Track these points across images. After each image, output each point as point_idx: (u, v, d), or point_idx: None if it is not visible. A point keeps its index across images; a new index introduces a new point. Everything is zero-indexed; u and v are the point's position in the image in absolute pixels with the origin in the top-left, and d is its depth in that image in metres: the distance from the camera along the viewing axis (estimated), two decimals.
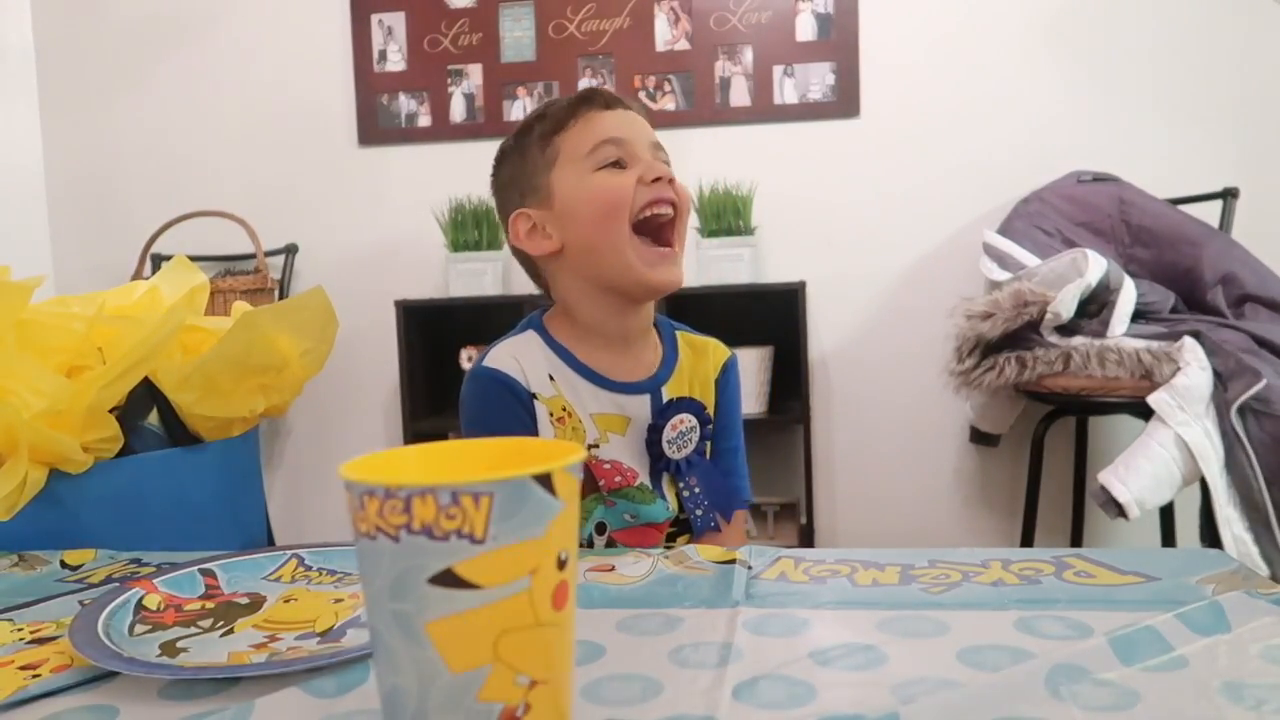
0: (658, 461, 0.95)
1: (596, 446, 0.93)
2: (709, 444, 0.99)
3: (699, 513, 0.96)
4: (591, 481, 0.92)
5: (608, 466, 0.93)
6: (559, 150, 0.93)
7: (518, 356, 0.93)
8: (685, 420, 0.96)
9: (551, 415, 0.92)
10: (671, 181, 0.93)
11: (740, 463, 1.04)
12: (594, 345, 0.95)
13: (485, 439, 0.46)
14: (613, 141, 0.92)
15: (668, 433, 0.94)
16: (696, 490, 0.96)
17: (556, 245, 0.93)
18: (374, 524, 0.36)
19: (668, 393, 0.96)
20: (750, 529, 2.25)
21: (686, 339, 1.02)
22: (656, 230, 0.93)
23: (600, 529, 0.94)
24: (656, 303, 1.00)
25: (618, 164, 0.92)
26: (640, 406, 0.95)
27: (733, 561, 0.68)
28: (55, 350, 0.93)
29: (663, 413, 0.95)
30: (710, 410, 0.99)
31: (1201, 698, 0.44)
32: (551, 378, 0.93)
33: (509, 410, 0.91)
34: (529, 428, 0.91)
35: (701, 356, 1.01)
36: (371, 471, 0.37)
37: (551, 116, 0.95)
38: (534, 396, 0.91)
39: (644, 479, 0.94)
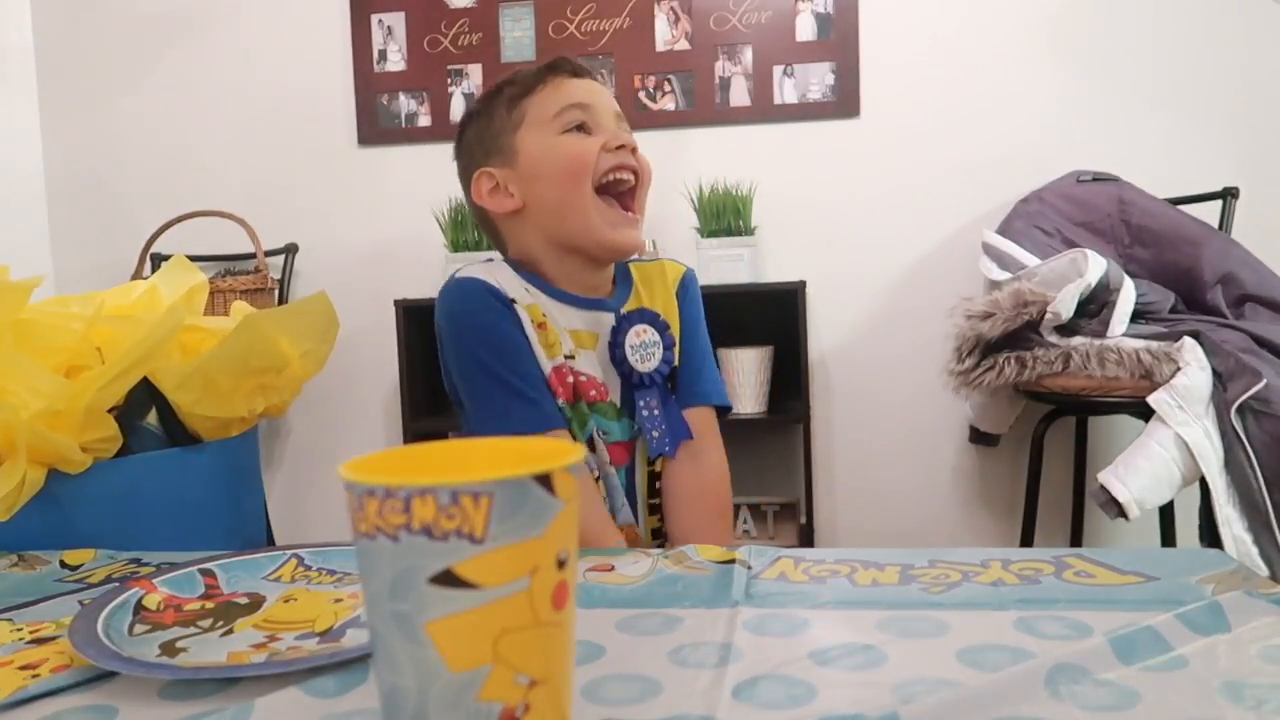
0: (629, 378, 0.96)
1: (573, 358, 0.95)
2: (675, 365, 1.01)
3: (655, 434, 0.97)
4: (577, 392, 0.95)
5: (584, 379, 0.95)
6: (525, 113, 0.96)
7: (490, 274, 0.95)
8: (645, 331, 0.98)
9: (532, 321, 0.94)
10: (634, 151, 0.96)
11: (711, 366, 1.05)
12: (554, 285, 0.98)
13: (483, 439, 0.45)
14: (579, 106, 0.95)
15: (631, 339, 0.96)
16: (656, 412, 0.97)
17: (518, 204, 0.96)
18: (373, 524, 0.36)
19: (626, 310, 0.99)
20: (750, 528, 2.25)
21: (638, 266, 1.05)
22: (618, 197, 0.96)
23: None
24: None
25: (582, 128, 0.95)
26: (606, 322, 0.97)
27: (732, 561, 0.68)
28: (54, 350, 0.93)
29: (619, 326, 0.97)
30: (674, 326, 1.02)
31: (1201, 698, 0.44)
32: (526, 289, 0.95)
33: (494, 311, 0.92)
34: (517, 325, 0.92)
35: (658, 277, 1.04)
36: (371, 471, 0.37)
37: (520, 81, 0.98)
38: (513, 302, 0.93)
39: (614, 397, 0.97)
